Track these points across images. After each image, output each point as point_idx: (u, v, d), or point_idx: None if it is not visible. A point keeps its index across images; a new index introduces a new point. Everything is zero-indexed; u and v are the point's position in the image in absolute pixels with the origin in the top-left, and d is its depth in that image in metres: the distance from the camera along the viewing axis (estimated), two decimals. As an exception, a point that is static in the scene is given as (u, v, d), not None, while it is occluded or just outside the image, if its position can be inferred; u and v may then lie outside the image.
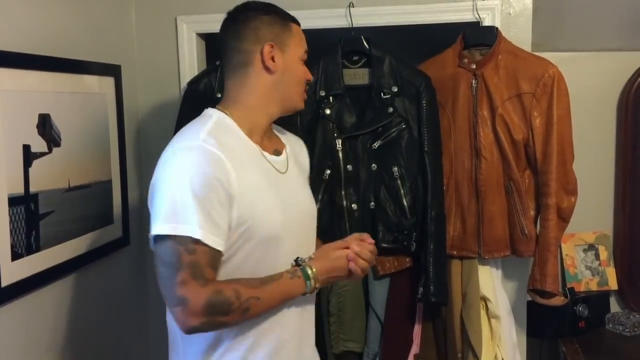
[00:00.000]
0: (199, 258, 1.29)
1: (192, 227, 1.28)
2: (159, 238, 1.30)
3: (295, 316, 1.50)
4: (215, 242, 1.32)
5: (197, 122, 1.46)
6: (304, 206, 1.57)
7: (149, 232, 1.35)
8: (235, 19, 1.50)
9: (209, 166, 1.33)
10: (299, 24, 1.57)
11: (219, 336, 1.41)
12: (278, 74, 1.48)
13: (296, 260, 1.46)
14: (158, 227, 1.30)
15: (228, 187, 1.34)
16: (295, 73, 1.52)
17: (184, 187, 1.30)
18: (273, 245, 1.43)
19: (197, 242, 1.29)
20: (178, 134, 1.45)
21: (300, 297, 1.45)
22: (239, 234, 1.37)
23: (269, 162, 1.50)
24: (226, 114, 1.47)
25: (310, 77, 1.58)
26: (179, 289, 1.27)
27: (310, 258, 1.47)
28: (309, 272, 1.42)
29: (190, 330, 1.31)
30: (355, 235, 1.56)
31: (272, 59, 1.47)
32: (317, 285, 1.44)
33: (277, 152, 1.55)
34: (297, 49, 1.52)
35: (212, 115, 1.46)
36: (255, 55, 1.47)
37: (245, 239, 1.39)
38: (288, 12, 1.85)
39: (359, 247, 1.50)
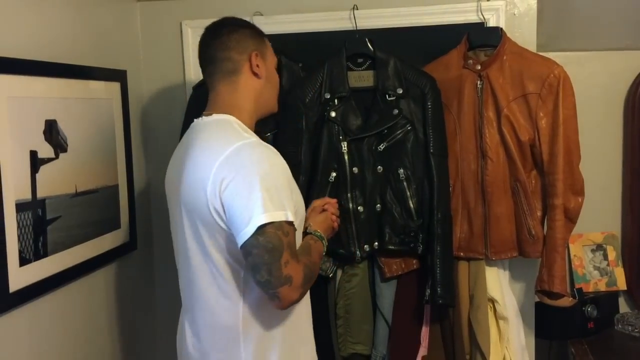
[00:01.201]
0: (291, 238, 1.44)
1: (286, 212, 1.42)
2: (260, 228, 1.39)
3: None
4: (296, 222, 1.48)
5: (223, 127, 1.56)
6: None
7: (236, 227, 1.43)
8: (219, 33, 1.64)
9: (277, 157, 1.51)
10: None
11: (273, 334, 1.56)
12: (264, 79, 1.65)
13: (306, 230, 1.68)
14: (258, 218, 1.38)
15: (290, 174, 1.53)
16: (274, 79, 1.70)
17: (270, 177, 1.43)
18: (303, 223, 1.64)
19: (290, 224, 1.43)
20: (211, 139, 1.53)
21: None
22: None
23: None
24: (233, 116, 1.58)
25: (278, 80, 1.74)
26: (285, 269, 1.40)
27: (310, 225, 1.69)
28: (319, 234, 1.67)
29: (291, 304, 1.45)
30: (319, 202, 1.81)
31: (258, 66, 1.63)
32: (326, 243, 1.69)
33: None
34: (273, 58, 1.71)
35: (228, 120, 1.57)
36: (244, 63, 1.62)
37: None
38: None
39: (333, 208, 1.80)
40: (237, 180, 1.42)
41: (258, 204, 1.39)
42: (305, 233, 1.67)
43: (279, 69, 2.17)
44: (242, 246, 1.41)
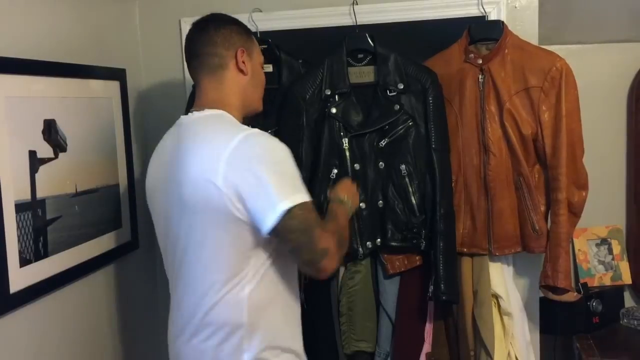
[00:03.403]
0: (315, 213, 1.51)
1: (303, 193, 1.49)
2: (287, 213, 1.44)
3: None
4: None
5: (220, 121, 1.57)
6: None
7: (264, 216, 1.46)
8: (205, 28, 1.65)
9: (281, 143, 1.53)
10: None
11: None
12: (249, 76, 1.65)
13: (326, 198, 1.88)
14: (282, 204, 1.44)
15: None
16: (259, 77, 1.71)
17: (282, 164, 1.50)
18: None
19: (309, 202, 1.50)
20: (210, 133, 1.54)
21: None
22: None
23: None
24: (225, 111, 1.60)
25: (264, 78, 1.74)
26: (320, 243, 1.47)
27: (332, 192, 1.83)
28: (340, 197, 1.77)
29: (331, 272, 1.52)
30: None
31: (244, 62, 1.63)
32: (350, 205, 1.78)
33: None
34: (259, 56, 1.72)
35: (222, 114, 1.59)
36: (230, 59, 1.62)
37: None
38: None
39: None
40: (253, 171, 1.45)
41: (278, 191, 1.44)
42: (327, 201, 1.81)
43: (278, 66, 2.17)
44: (271, 232, 1.46)
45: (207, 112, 1.59)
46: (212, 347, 1.55)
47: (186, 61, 1.69)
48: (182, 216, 1.56)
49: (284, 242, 1.50)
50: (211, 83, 1.63)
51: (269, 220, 1.44)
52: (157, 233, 1.72)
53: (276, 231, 1.45)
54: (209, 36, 1.62)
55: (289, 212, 1.44)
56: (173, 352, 1.67)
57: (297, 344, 1.67)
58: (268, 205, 1.44)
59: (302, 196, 1.48)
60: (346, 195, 1.79)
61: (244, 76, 1.64)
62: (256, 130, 1.52)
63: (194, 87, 2.21)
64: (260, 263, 1.54)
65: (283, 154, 1.51)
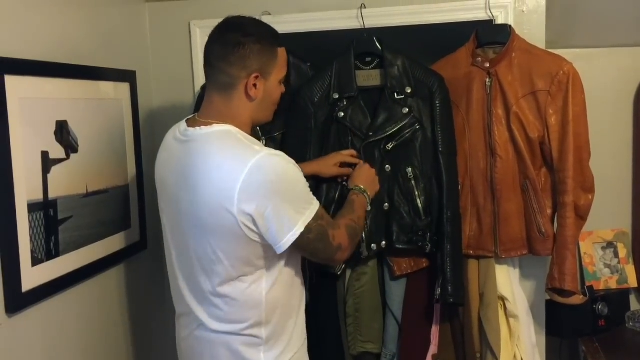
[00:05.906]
0: (325, 215, 1.61)
1: (312, 204, 1.56)
2: (303, 232, 1.52)
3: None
4: None
5: (230, 141, 1.54)
6: None
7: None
8: (225, 42, 1.56)
9: (289, 162, 1.54)
10: (282, 46, 1.64)
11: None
12: (258, 101, 1.60)
13: (343, 186, 1.96)
14: (299, 226, 1.52)
15: (300, 170, 1.60)
16: (272, 97, 1.65)
17: (296, 184, 1.54)
18: None
19: (320, 209, 1.58)
20: (222, 156, 1.51)
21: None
22: None
23: None
24: (233, 127, 1.57)
25: (283, 90, 1.69)
26: (334, 242, 1.60)
27: (351, 182, 1.91)
28: (360, 188, 1.86)
29: (344, 261, 1.79)
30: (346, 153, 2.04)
31: (255, 86, 1.57)
32: (370, 195, 1.90)
33: None
34: (279, 74, 1.64)
35: (231, 132, 1.55)
36: (240, 82, 1.57)
37: None
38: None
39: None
40: (266, 199, 1.47)
41: (293, 215, 1.51)
42: (347, 189, 1.89)
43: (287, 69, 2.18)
44: (292, 246, 1.52)
45: (216, 127, 1.55)
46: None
47: (203, 63, 1.62)
48: (194, 231, 1.58)
49: (301, 250, 1.59)
50: (219, 98, 1.59)
51: (285, 243, 1.51)
52: (169, 237, 1.74)
53: (293, 246, 1.53)
54: (225, 52, 1.54)
55: (305, 229, 1.52)
56: (184, 344, 1.73)
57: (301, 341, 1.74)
58: (284, 230, 1.50)
59: (313, 208, 1.55)
60: (365, 183, 1.88)
61: (251, 101, 1.59)
62: (265, 152, 1.49)
63: (202, 89, 2.25)
64: (272, 268, 1.60)
65: (293, 174, 1.54)
